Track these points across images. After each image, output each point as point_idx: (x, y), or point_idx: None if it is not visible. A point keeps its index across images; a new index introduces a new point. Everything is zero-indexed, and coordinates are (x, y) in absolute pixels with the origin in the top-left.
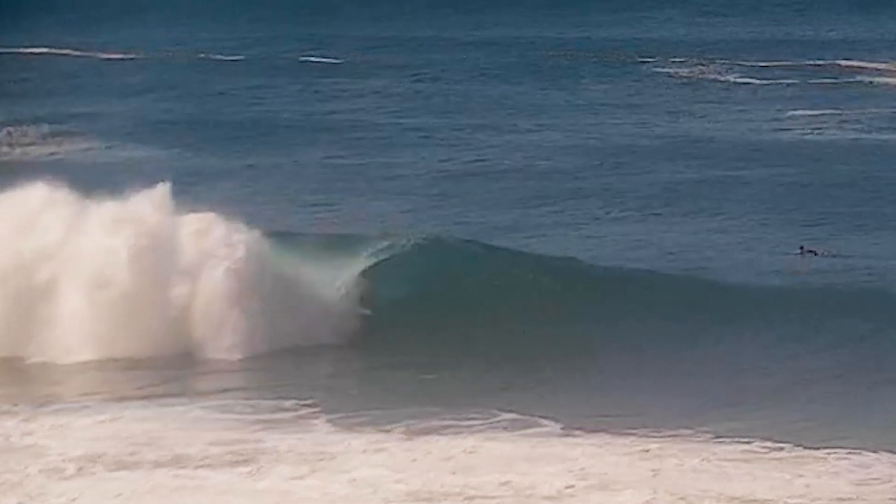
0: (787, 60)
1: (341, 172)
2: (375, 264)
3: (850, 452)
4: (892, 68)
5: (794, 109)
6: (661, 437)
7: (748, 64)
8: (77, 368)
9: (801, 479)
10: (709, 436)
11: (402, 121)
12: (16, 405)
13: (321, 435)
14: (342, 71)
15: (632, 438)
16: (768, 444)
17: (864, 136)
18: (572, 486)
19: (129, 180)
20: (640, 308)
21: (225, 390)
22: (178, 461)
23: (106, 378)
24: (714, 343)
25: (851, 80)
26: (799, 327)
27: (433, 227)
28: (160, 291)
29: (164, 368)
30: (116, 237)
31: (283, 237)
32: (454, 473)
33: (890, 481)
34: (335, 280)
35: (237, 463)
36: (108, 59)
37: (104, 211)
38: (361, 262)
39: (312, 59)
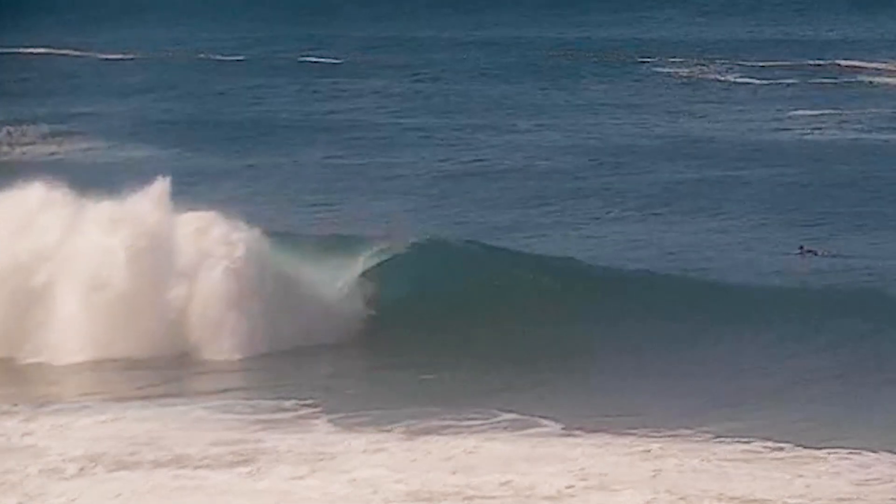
0: (786, 60)
1: (341, 172)
2: (375, 264)
3: (850, 452)
4: (892, 68)
5: (794, 109)
6: (661, 437)
7: (748, 64)
8: (76, 369)
9: (801, 479)
10: (709, 436)
11: (402, 121)
12: (16, 405)
13: (321, 435)
14: (342, 71)
15: (632, 438)
16: (768, 444)
17: (864, 136)
18: (572, 487)
19: (129, 180)
20: (640, 308)
21: (225, 390)
22: (178, 461)
23: (105, 378)
24: (714, 343)
25: (851, 79)
26: (799, 327)
27: (433, 227)
28: (159, 291)
29: (164, 369)
30: (114, 237)
31: (283, 237)
32: (454, 473)
33: (890, 481)
34: (335, 280)
35: (237, 463)
36: (108, 59)
37: (102, 210)
38: (361, 263)
39: (312, 59)
